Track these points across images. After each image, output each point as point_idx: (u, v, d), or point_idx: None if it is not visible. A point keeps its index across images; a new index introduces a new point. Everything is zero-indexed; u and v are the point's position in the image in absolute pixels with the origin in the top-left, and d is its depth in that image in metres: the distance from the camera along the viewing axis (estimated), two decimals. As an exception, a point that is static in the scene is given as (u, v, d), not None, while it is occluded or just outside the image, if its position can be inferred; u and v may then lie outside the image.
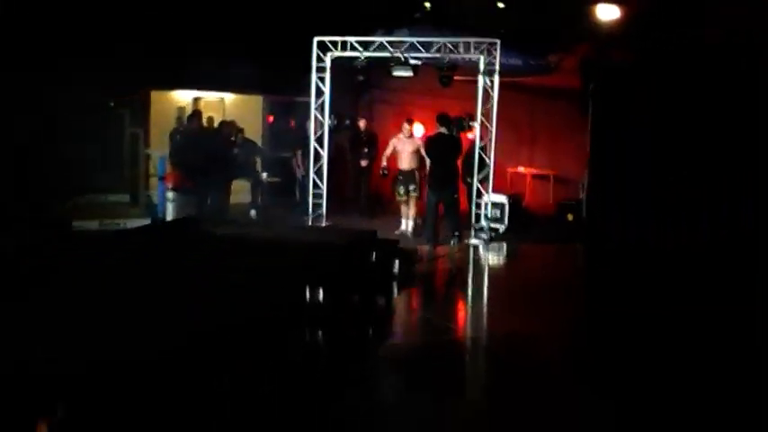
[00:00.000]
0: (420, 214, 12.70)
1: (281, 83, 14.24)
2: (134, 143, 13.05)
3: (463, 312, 8.71)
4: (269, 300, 5.51)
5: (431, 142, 12.12)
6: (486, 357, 6.86)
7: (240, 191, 13.27)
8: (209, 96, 15.11)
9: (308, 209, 12.64)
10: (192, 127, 12.82)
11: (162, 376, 3.90)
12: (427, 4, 15.12)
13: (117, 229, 10.37)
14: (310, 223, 12.28)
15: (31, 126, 11.26)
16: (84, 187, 12.19)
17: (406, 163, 12.67)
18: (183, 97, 14.90)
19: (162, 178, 11.78)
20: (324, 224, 12.23)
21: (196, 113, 13.19)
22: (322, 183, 12.74)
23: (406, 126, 12.78)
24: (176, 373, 3.98)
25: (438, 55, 12.40)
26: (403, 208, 12.76)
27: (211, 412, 4.16)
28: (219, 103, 15.21)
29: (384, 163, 12.95)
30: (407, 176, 12.68)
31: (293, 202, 13.91)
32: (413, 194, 12.67)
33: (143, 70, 13.12)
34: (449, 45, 12.39)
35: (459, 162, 12.50)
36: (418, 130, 13.71)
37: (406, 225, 12.65)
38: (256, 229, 10.09)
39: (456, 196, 12.24)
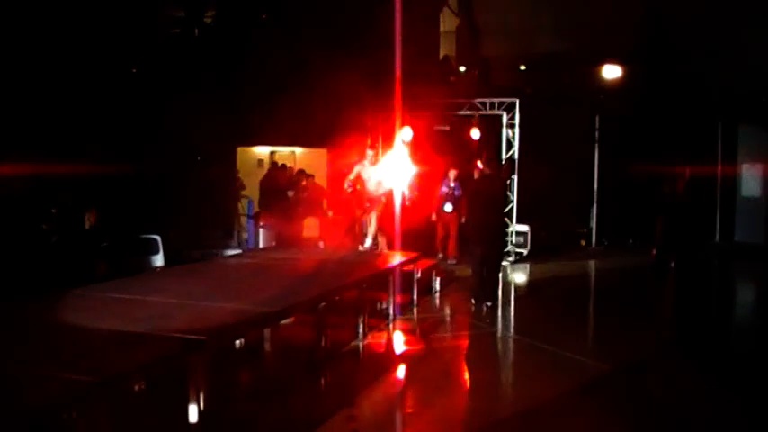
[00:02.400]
0: (381, 230, 12.98)
1: (340, 139, 17.15)
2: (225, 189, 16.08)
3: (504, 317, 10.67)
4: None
5: (477, 186, 11.25)
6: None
7: (311, 226, 16.18)
8: (283, 150, 18.18)
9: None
10: (271, 176, 15.82)
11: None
12: (462, 69, 18.09)
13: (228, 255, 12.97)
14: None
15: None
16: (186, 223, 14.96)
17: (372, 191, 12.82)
18: (261, 151, 18.02)
19: (251, 217, 14.76)
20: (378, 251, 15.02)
21: (274, 165, 16.20)
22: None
23: (369, 152, 13.06)
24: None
25: (469, 112, 15.30)
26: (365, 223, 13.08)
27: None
28: (291, 156, 18.23)
29: (346, 185, 12.98)
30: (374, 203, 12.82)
31: (353, 235, 16.78)
32: (377, 209, 12.81)
33: (230, 130, 16.23)
34: (477, 104, 15.29)
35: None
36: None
37: (366, 242, 13.05)
38: (325, 254, 12.95)
39: (504, 252, 12.53)
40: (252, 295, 7.14)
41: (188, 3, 16.52)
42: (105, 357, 4.90)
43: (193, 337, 5.27)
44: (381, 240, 12.99)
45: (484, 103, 15.21)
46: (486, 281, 10.27)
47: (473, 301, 10.29)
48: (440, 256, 14.24)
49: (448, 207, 14.12)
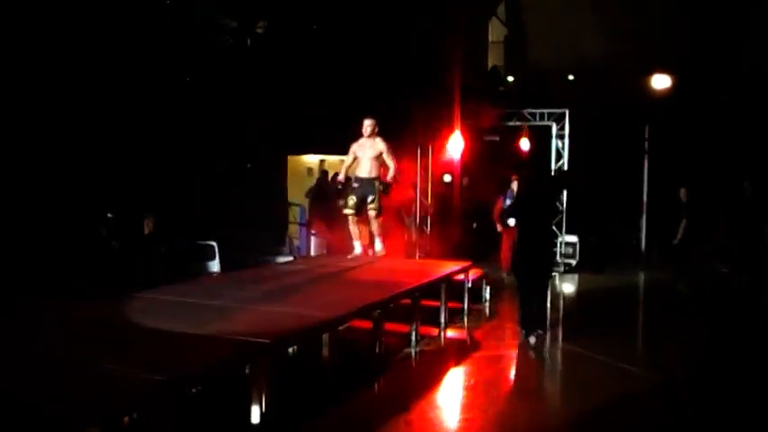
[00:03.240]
0: (383, 233, 10.67)
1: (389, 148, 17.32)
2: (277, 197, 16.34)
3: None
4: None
5: (522, 198, 10.12)
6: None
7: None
8: (332, 158, 18.42)
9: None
10: (321, 184, 16.06)
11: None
12: (510, 78, 18.19)
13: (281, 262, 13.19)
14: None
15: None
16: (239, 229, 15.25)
17: (365, 170, 10.15)
18: (311, 159, 18.29)
19: (302, 224, 14.99)
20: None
21: (324, 174, 16.43)
22: (426, 228, 15.78)
23: (366, 122, 10.18)
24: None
25: (518, 123, 15.37)
26: (352, 228, 10.44)
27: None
28: (340, 164, 18.42)
29: (341, 176, 10.62)
30: (365, 184, 10.08)
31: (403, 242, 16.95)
32: (371, 207, 10.11)
33: (282, 140, 16.51)
34: (526, 114, 15.35)
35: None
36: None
37: (361, 248, 10.63)
38: (375, 261, 13.10)
39: (551, 270, 10.83)
40: (309, 300, 7.34)
41: (240, 14, 16.85)
42: (175, 357, 5.10)
43: (257, 340, 5.46)
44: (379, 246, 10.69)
45: (533, 114, 15.27)
46: (537, 308, 9.05)
47: (522, 332, 9.00)
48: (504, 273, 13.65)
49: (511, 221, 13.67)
